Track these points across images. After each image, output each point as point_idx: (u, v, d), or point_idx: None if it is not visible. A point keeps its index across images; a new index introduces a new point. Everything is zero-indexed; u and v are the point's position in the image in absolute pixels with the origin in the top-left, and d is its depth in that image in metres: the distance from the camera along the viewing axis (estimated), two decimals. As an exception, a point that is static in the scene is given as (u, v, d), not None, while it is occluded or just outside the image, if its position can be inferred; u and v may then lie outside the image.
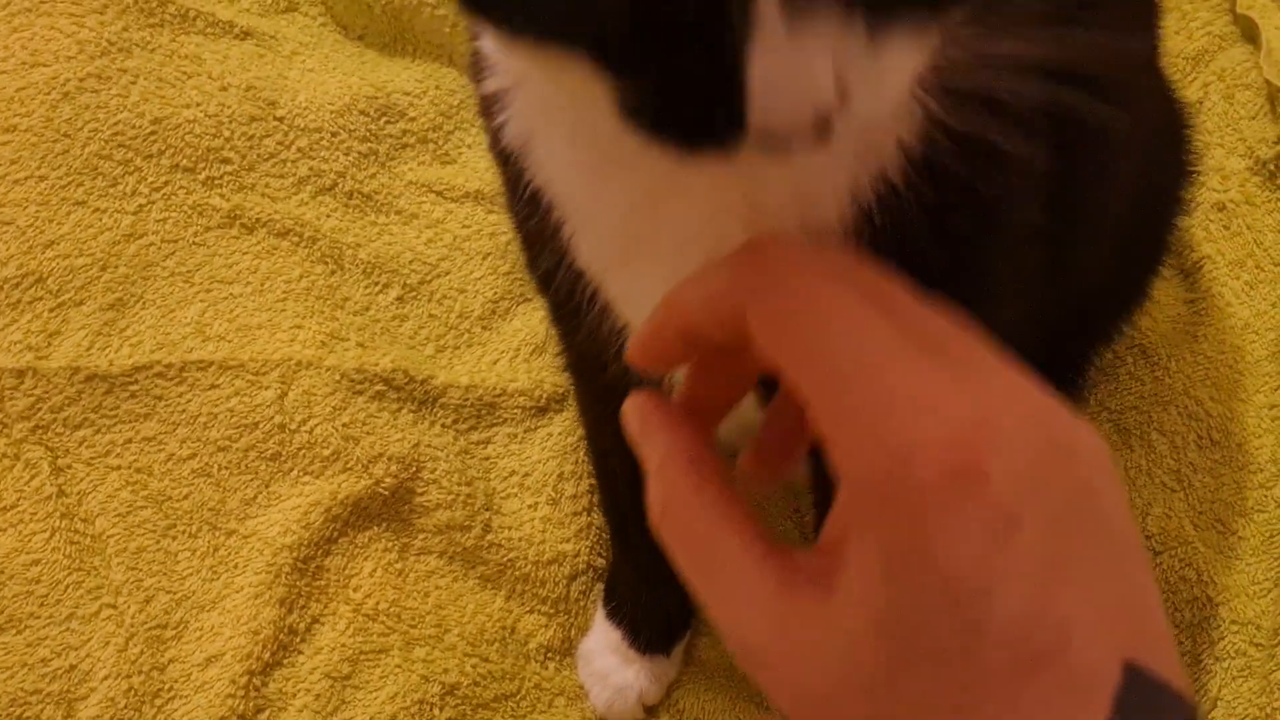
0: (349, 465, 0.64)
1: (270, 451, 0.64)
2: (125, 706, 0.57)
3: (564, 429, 0.68)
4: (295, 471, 0.64)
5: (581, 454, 0.66)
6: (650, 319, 0.29)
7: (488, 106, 0.34)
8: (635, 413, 0.29)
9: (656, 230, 0.31)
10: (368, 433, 0.65)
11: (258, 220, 0.71)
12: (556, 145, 0.32)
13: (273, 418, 0.64)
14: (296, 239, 0.71)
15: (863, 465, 0.24)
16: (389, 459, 0.64)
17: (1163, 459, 0.66)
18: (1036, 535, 0.23)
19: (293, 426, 0.64)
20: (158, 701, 0.58)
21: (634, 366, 0.30)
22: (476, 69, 0.35)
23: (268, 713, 0.58)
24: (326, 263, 0.71)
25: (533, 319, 0.71)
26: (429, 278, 0.72)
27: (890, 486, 0.23)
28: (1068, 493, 0.24)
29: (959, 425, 0.23)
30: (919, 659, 0.23)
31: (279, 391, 0.65)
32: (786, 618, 0.24)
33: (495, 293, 0.72)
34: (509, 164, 0.35)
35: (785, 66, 0.21)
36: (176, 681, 0.58)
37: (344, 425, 0.65)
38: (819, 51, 0.21)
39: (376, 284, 0.71)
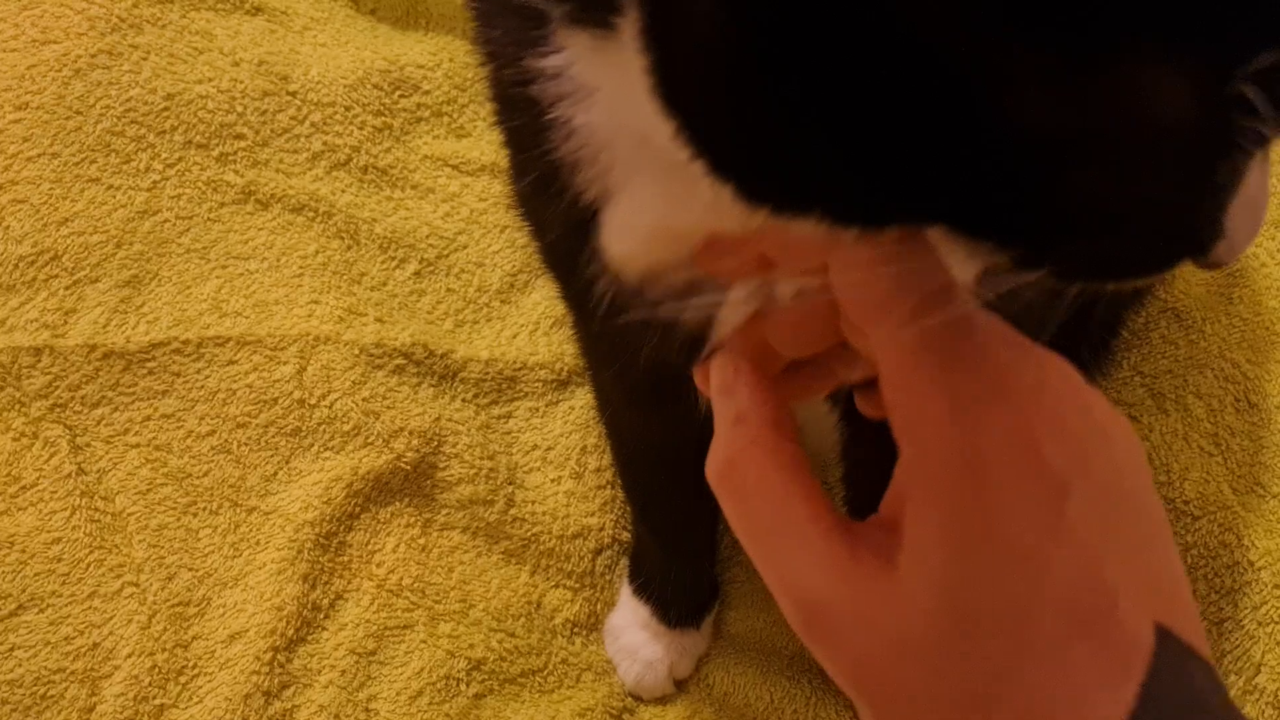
0: (370, 440, 0.63)
1: (290, 427, 0.63)
2: (149, 684, 0.57)
3: (586, 402, 0.67)
4: (316, 447, 0.63)
5: (605, 432, 0.65)
6: (726, 241, 0.28)
7: (534, 98, 0.29)
8: (725, 366, 0.29)
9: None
10: (388, 407, 0.64)
11: (272, 196, 0.70)
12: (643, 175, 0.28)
13: (292, 393, 0.64)
14: (312, 214, 0.70)
15: (927, 433, 0.24)
16: (410, 433, 0.63)
17: (1199, 423, 0.64)
18: (1085, 505, 0.24)
19: (312, 401, 0.64)
20: (182, 679, 0.57)
21: (705, 270, 0.29)
22: (522, 39, 0.29)
23: (293, 689, 0.57)
24: (342, 238, 0.70)
25: (551, 292, 0.70)
26: (446, 252, 0.71)
27: (954, 454, 0.24)
28: (1106, 471, 0.26)
29: (1025, 405, 0.25)
30: (978, 623, 0.24)
31: (298, 367, 0.64)
32: (850, 583, 0.25)
33: (513, 266, 0.71)
34: (548, 166, 0.30)
35: (1255, 212, 0.23)
36: (200, 658, 0.58)
37: (364, 400, 0.64)
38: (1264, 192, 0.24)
39: (393, 259, 0.70)
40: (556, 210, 0.31)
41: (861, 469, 0.49)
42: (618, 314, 0.33)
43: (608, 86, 0.27)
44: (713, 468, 0.27)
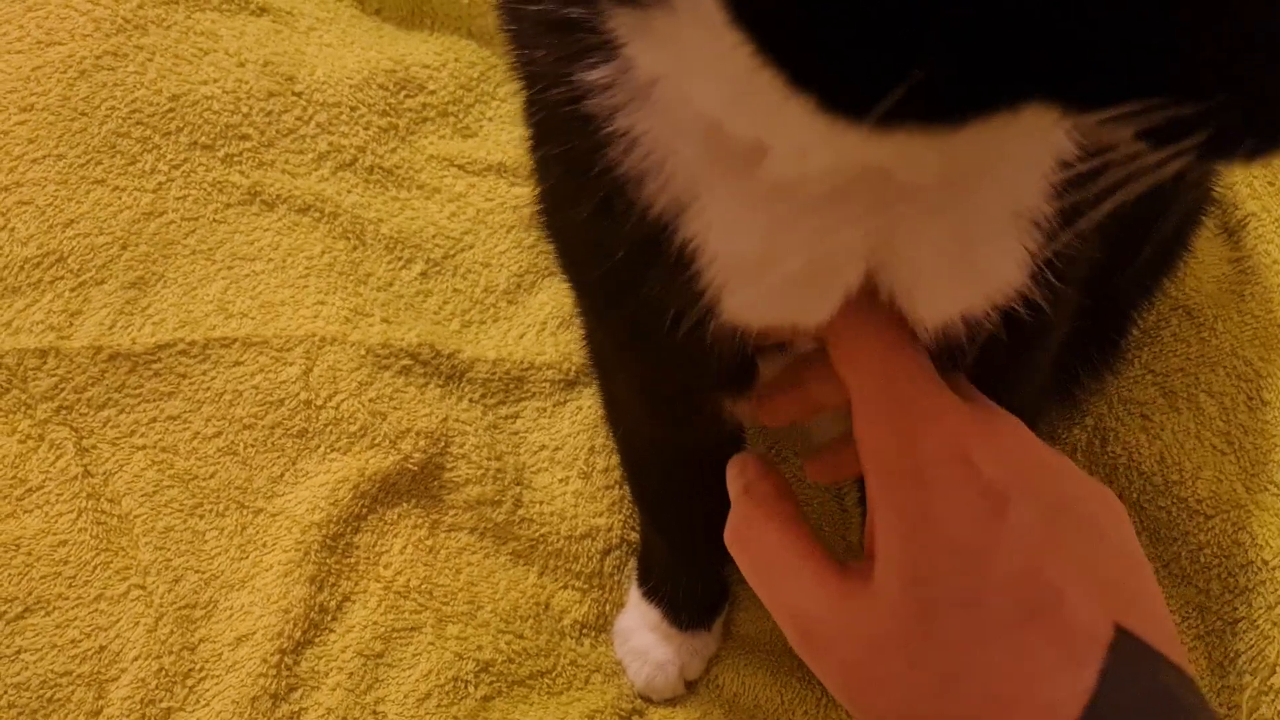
0: (376, 441, 0.63)
1: (296, 428, 0.63)
2: (156, 687, 0.57)
3: (593, 402, 0.67)
4: (322, 448, 0.63)
5: (612, 438, 0.65)
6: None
7: (588, 114, 0.27)
8: (736, 460, 0.36)
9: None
10: (395, 408, 0.64)
11: (278, 197, 0.70)
12: (715, 167, 0.27)
13: (298, 394, 0.63)
14: (318, 215, 0.70)
15: (883, 451, 0.30)
16: (417, 434, 0.63)
17: (1212, 421, 0.64)
18: (1027, 518, 0.29)
19: (318, 402, 0.63)
20: (189, 681, 0.57)
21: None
22: (568, 54, 0.27)
23: (300, 691, 0.57)
24: (348, 238, 0.70)
25: (558, 292, 0.70)
26: (453, 252, 0.71)
27: (902, 469, 0.29)
28: (1056, 498, 0.30)
29: (958, 429, 0.30)
30: (936, 612, 0.28)
31: (304, 367, 0.64)
32: (838, 600, 0.30)
33: (520, 266, 0.71)
34: (610, 184, 0.29)
35: None
36: (207, 661, 0.57)
37: (370, 400, 0.64)
38: None
39: (399, 259, 0.70)
40: (620, 231, 0.30)
41: None
42: (699, 337, 0.32)
43: (665, 70, 0.25)
44: (729, 532, 0.34)
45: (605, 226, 0.31)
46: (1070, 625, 0.27)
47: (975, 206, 0.28)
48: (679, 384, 0.41)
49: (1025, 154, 0.28)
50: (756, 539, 0.33)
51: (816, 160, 0.26)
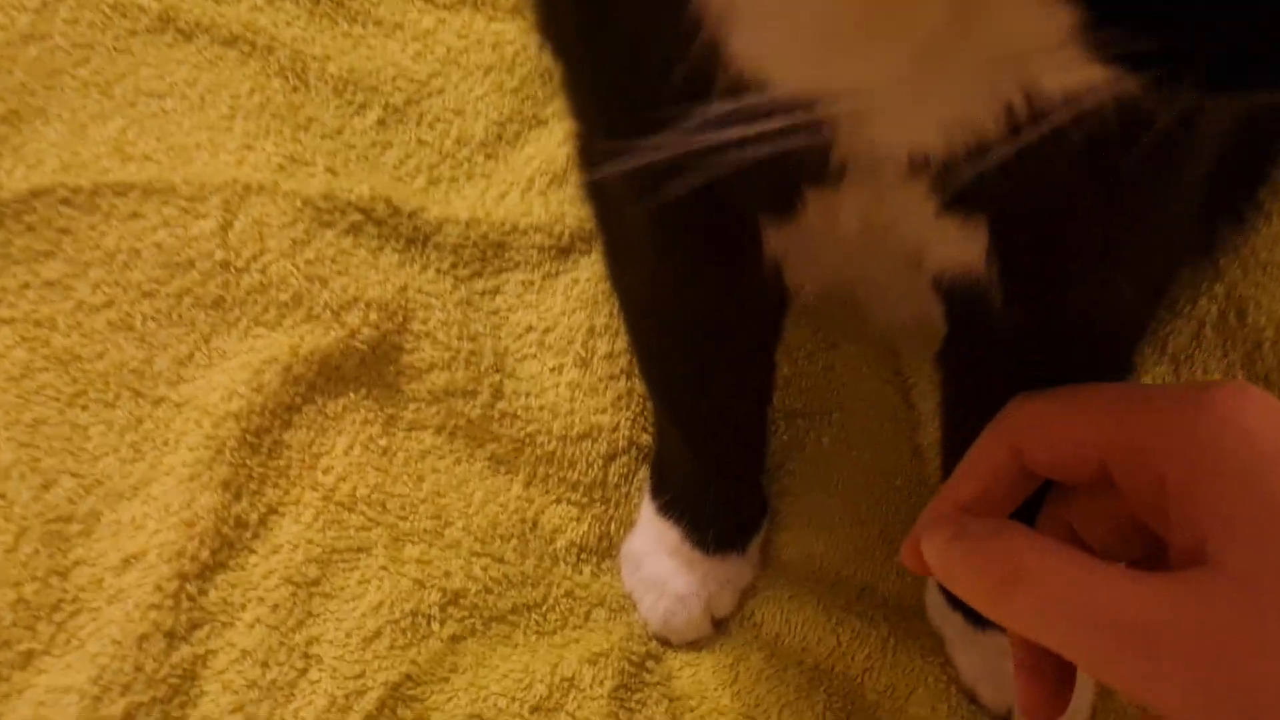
0: (314, 312, 0.50)
1: (211, 297, 0.50)
2: (12, 623, 0.44)
3: (594, 274, 0.54)
4: (244, 321, 0.50)
5: (618, 304, 0.52)
6: (978, 449, 0.34)
7: None
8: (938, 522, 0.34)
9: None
10: (339, 272, 0.50)
11: (197, 24, 0.57)
12: None
13: (213, 254, 0.50)
14: (248, 48, 0.57)
15: (1188, 452, 0.29)
16: (367, 305, 0.50)
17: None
18: None
19: (239, 265, 0.50)
20: (57, 616, 0.44)
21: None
22: None
23: (207, 628, 0.44)
24: (286, 77, 0.57)
25: (549, 144, 0.57)
26: (417, 97, 0.58)
27: (1233, 463, 0.29)
28: None
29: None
30: None
31: (221, 221, 0.51)
32: (1173, 591, 0.28)
33: (501, 114, 0.58)
34: None
35: None
36: (83, 590, 0.45)
37: (307, 263, 0.50)
38: None
39: (351, 104, 0.57)
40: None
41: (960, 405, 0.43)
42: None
43: None
44: (996, 584, 0.31)
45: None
46: None
47: None
48: (697, 197, 0.31)
49: None
50: (1044, 568, 0.30)
51: None
